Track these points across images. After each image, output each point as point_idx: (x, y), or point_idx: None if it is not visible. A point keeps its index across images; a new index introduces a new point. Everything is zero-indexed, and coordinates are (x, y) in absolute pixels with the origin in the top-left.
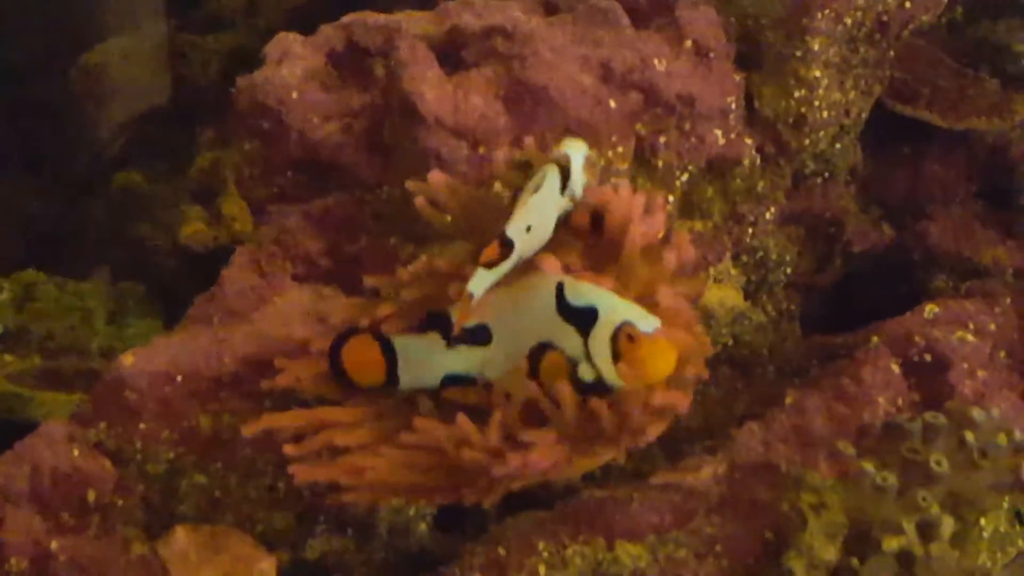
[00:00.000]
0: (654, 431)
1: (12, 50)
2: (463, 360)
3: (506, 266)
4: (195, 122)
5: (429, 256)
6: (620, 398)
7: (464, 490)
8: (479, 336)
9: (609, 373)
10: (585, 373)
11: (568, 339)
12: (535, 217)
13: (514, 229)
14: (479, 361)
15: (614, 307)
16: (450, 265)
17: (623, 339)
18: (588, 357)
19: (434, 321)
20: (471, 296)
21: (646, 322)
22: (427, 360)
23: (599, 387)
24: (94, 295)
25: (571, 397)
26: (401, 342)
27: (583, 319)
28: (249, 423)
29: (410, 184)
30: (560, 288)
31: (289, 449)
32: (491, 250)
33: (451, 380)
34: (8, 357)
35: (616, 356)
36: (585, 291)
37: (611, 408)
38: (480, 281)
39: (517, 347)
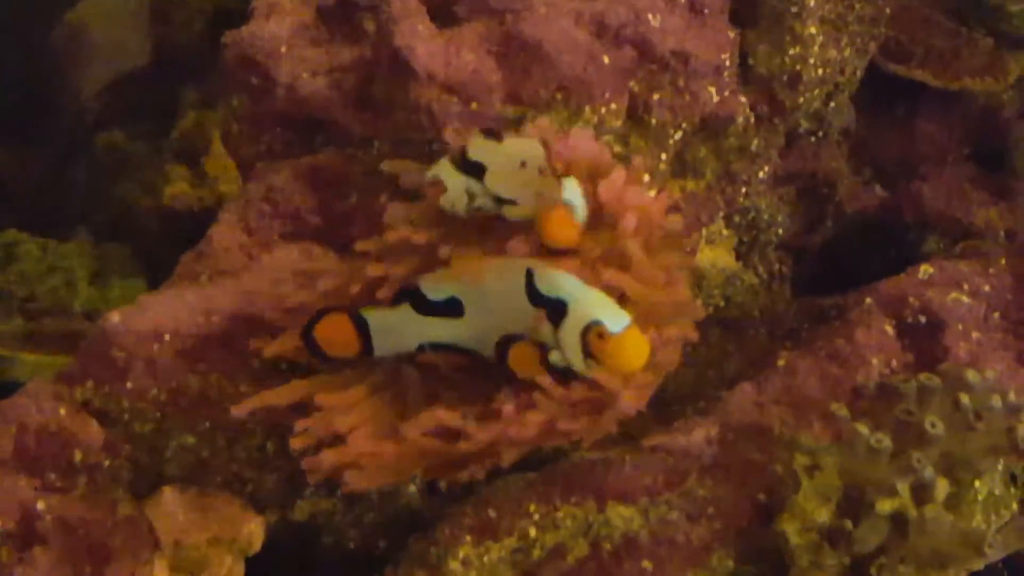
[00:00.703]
0: (632, 406)
1: None
2: (437, 330)
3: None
4: (178, 81)
5: (414, 224)
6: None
7: (461, 470)
8: (451, 309)
9: (580, 367)
10: (556, 359)
11: (538, 325)
12: None
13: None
14: (452, 332)
15: (584, 301)
16: (432, 237)
17: (593, 337)
18: (558, 346)
19: (405, 295)
20: (573, 207)
21: (615, 320)
22: (401, 331)
23: (570, 372)
24: (77, 256)
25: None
26: (374, 316)
27: (553, 310)
28: (240, 404)
29: (385, 165)
30: (529, 274)
31: (296, 443)
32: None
33: (426, 348)
34: None
35: (587, 352)
36: (555, 280)
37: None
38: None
39: (488, 327)
